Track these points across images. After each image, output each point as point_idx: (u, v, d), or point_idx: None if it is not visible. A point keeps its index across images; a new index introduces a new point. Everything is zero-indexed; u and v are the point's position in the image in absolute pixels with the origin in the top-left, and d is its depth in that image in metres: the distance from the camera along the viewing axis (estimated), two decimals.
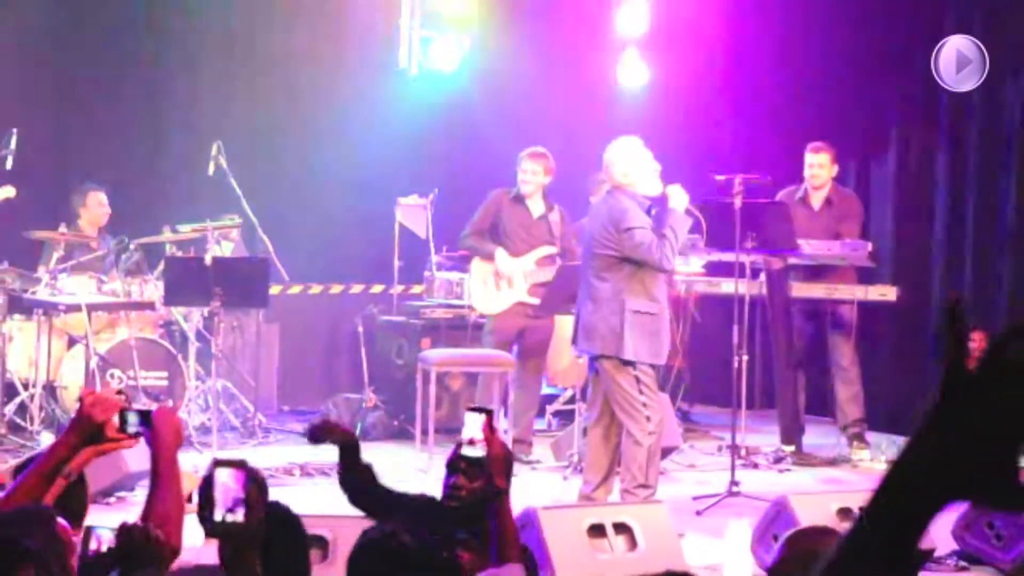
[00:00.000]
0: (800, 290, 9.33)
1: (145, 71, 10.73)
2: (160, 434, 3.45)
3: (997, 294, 9.97)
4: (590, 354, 7.26)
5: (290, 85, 11.13)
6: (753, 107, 11.57)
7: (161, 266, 9.27)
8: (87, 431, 3.45)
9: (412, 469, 8.47)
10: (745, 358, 8.37)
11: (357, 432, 9.58)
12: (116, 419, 3.44)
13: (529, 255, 9.19)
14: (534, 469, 8.86)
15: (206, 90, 10.86)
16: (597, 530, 5.80)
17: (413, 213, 10.52)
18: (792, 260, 9.24)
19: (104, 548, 3.11)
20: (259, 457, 8.76)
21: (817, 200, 9.45)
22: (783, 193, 9.43)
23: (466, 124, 11.60)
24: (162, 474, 3.44)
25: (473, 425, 3.86)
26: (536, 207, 9.28)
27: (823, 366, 9.57)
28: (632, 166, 7.09)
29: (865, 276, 9.38)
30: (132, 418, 3.46)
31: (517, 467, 8.56)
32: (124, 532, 3.13)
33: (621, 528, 5.87)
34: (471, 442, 3.86)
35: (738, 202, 8.03)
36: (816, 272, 9.36)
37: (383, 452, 9.33)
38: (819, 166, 9.39)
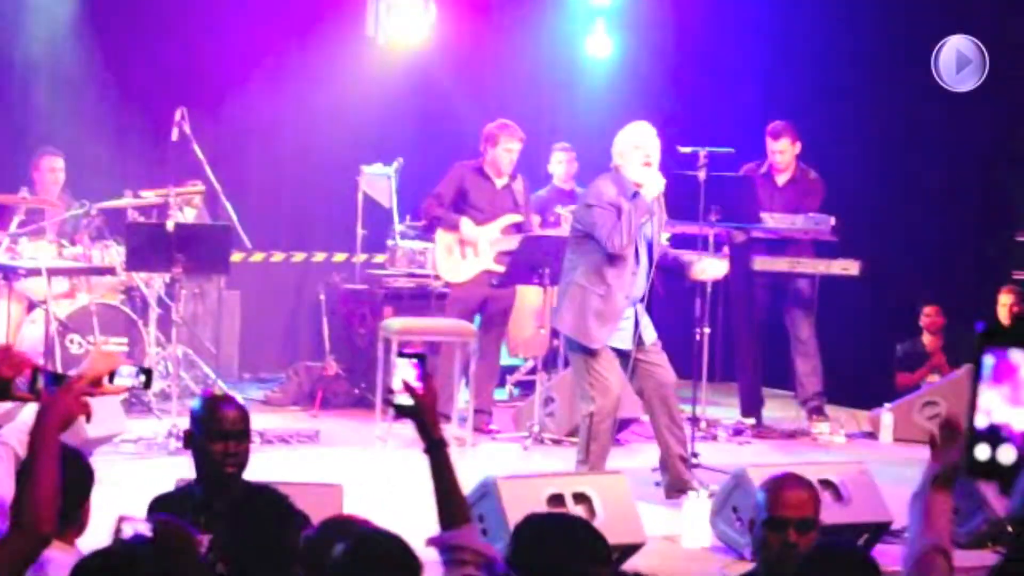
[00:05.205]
0: (763, 264, 9.35)
1: (108, 35, 10.63)
2: (49, 406, 3.23)
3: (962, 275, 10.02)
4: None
5: (255, 52, 11.04)
6: (719, 81, 11.56)
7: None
8: None
9: (372, 437, 8.47)
10: (707, 331, 8.41)
11: (317, 401, 9.62)
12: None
13: (494, 223, 9.18)
14: (494, 439, 8.87)
15: (170, 55, 10.77)
16: (557, 500, 5.82)
17: (377, 182, 10.48)
18: (755, 233, 9.27)
19: (133, 534, 3.08)
20: None
21: (782, 178, 9.48)
22: (747, 167, 9.45)
23: (431, 93, 11.55)
24: (42, 448, 3.16)
25: (406, 371, 3.43)
26: (499, 177, 9.26)
27: (783, 339, 9.61)
28: (626, 149, 7.19)
29: (824, 251, 9.39)
30: (41, 378, 3.38)
31: (478, 437, 8.67)
32: (161, 526, 3.10)
33: (580, 498, 5.88)
34: (403, 389, 3.40)
35: (702, 175, 8.06)
36: (778, 246, 9.39)
37: (344, 420, 9.35)
38: (779, 152, 9.42)
